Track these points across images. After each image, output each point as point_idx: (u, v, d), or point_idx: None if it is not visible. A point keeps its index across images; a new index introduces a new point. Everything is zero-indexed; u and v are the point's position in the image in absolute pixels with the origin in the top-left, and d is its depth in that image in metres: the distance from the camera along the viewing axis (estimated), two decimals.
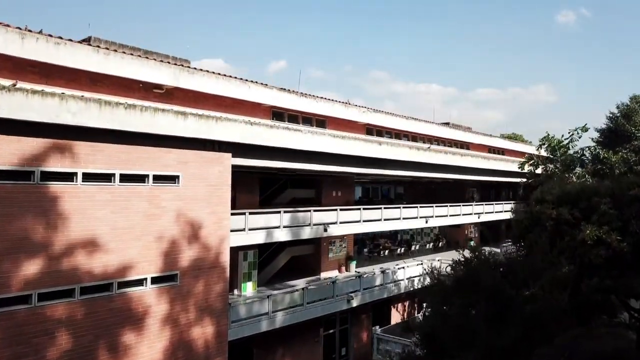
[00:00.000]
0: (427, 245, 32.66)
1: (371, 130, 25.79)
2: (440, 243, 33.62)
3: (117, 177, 12.23)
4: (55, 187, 11.13)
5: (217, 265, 14.50)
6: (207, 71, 17.94)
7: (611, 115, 34.28)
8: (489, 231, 39.07)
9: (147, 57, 16.14)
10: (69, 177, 11.38)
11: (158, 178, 13.13)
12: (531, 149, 43.61)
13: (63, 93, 11.21)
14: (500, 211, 34.06)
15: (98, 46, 14.96)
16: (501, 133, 72.73)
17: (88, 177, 11.71)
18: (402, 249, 30.16)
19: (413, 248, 31.20)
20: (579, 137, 25.80)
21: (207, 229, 14.27)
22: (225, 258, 14.75)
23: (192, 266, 13.84)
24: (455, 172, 26.43)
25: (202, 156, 14.18)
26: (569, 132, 26.31)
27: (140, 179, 12.77)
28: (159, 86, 16.25)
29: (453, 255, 32.10)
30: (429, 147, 23.59)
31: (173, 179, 13.49)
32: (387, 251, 29.27)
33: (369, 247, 29.19)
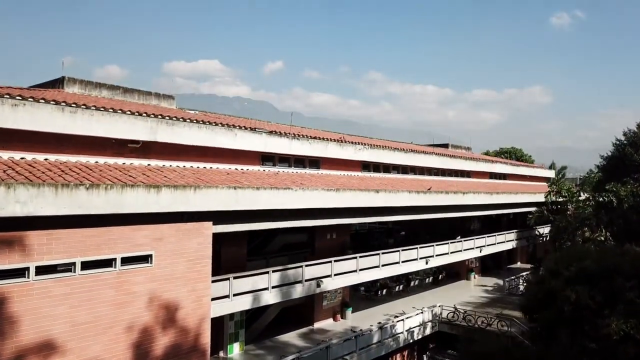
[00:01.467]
0: (427, 279, 31.18)
1: (368, 165, 24.35)
2: (440, 276, 32.14)
3: (78, 266, 10.71)
4: (1, 287, 9.61)
5: (196, 348, 12.98)
6: (190, 120, 16.47)
7: (618, 143, 33.03)
8: (491, 260, 37.76)
9: (121, 110, 14.65)
10: (18, 273, 9.86)
11: (128, 260, 11.62)
12: (532, 171, 42.36)
13: (10, 182, 9.63)
14: (502, 241, 32.65)
15: (65, 101, 13.47)
16: (500, 147, 71.59)
17: (43, 270, 10.19)
18: (401, 286, 28.66)
19: (412, 284, 29.72)
20: (592, 182, 24.49)
21: (185, 309, 12.76)
22: (206, 340, 13.24)
23: (168, 354, 12.32)
24: (456, 210, 25.01)
25: (178, 229, 12.67)
26: (579, 179, 24.94)
27: (106, 263, 11.25)
28: (134, 141, 14.77)
29: (454, 290, 30.88)
30: (429, 189, 22.15)
31: (145, 259, 11.98)
32: (384, 290, 27.78)
33: (365, 286, 27.68)
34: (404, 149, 26.86)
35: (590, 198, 23.29)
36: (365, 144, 23.98)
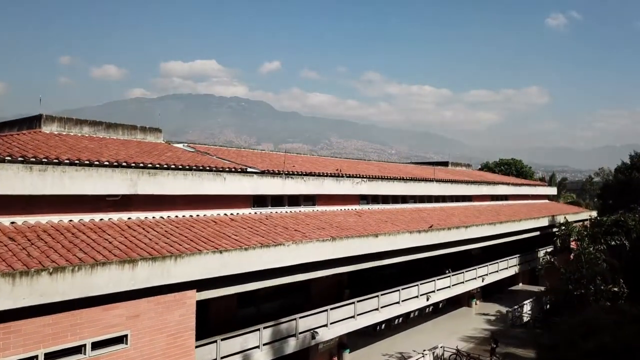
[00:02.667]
0: (427, 308, 29.99)
1: (366, 197, 23.21)
2: (441, 304, 30.94)
3: (42, 359, 9.53)
4: None
5: None
6: (175, 167, 15.30)
7: (623, 166, 32.06)
8: (492, 283, 36.61)
9: (98, 161, 13.48)
10: None
11: (100, 344, 10.43)
12: (534, 190, 41.25)
13: None
14: (505, 268, 31.55)
15: (35, 156, 12.29)
16: (500, 158, 70.50)
17: None
18: (400, 318, 27.47)
19: (412, 315, 28.52)
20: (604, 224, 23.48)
21: None
22: None
23: None
24: (458, 245, 23.89)
25: (157, 302, 11.50)
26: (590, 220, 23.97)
27: (75, 351, 10.08)
28: (113, 195, 13.59)
29: (455, 320, 29.69)
30: (431, 227, 21.01)
31: (120, 340, 10.80)
32: (383, 324, 26.60)
33: None
34: (403, 178, 25.72)
35: (602, 241, 22.26)
36: (363, 176, 22.85)
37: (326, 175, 20.89)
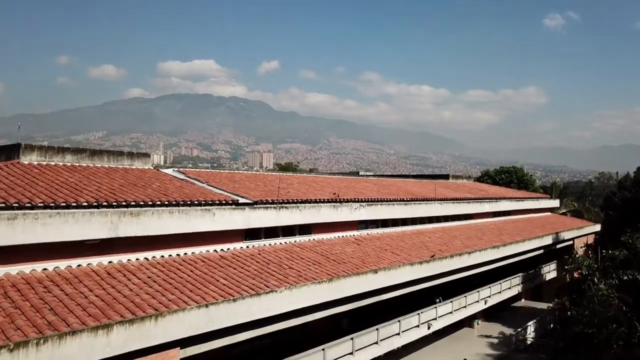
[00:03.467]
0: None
1: (365, 223, 22.24)
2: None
3: None
4: None
5: None
6: (161, 203, 14.32)
7: (630, 182, 31.18)
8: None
9: (76, 202, 12.49)
10: None
11: None
12: (537, 204, 40.32)
13: None
14: (508, 288, 30.59)
15: (5, 202, 11.31)
16: (501, 166, 69.59)
17: None
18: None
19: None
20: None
21: None
22: None
23: None
24: (461, 271, 22.93)
25: None
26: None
27: None
28: (91, 239, 12.61)
29: (456, 344, 28.72)
30: (432, 257, 20.05)
31: None
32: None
33: None
34: (404, 199, 24.78)
35: (613, 275, 21.27)
36: (362, 200, 21.88)
37: (323, 202, 19.93)
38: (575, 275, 27.09)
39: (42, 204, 11.92)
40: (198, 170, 21.25)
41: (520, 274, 32.16)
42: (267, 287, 13.46)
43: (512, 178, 60.60)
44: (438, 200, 27.09)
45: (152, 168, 19.33)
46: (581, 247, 40.25)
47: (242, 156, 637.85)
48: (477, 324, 31.91)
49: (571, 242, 37.49)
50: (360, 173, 47.14)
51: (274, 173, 25.12)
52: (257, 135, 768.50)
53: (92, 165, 17.42)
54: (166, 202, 14.54)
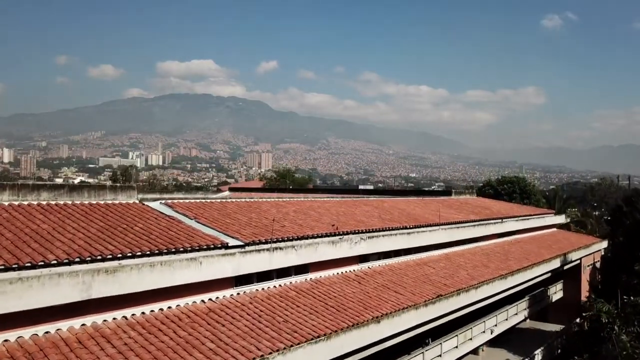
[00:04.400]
0: None
1: (366, 257, 20.91)
2: None
3: None
4: None
5: None
6: (142, 254, 12.99)
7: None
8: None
9: (44, 261, 11.15)
10: None
11: None
12: (543, 221, 39.04)
13: None
14: (515, 314, 29.32)
15: None
16: (503, 175, 68.39)
17: None
18: None
19: None
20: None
21: None
22: None
23: None
24: (468, 306, 21.62)
25: None
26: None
27: None
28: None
29: None
30: (439, 296, 18.72)
31: None
32: None
33: None
34: (407, 226, 23.49)
35: (635, 323, 19.93)
36: (362, 231, 20.57)
37: (321, 236, 18.62)
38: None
39: (3, 267, 10.59)
40: (187, 201, 19.88)
41: (527, 298, 30.89)
42: (258, 350, 12.13)
43: (514, 188, 59.35)
44: (442, 225, 25.77)
45: (137, 202, 18.00)
46: (588, 266, 39.07)
47: (241, 156, 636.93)
48: (482, 350, 30.60)
49: (578, 262, 36.29)
50: (360, 187, 45.78)
51: (270, 199, 23.77)
52: (256, 135, 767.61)
53: (70, 202, 16.08)
54: (148, 252, 13.21)
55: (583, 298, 37.89)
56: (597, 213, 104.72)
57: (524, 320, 36.86)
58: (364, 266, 20.65)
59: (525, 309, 30.44)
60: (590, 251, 37.72)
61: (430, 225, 25.21)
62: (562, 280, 36.35)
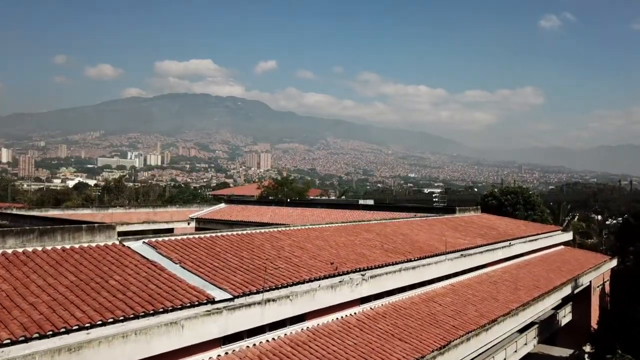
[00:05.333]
0: None
1: (368, 298, 19.31)
2: None
3: None
4: None
5: None
6: (114, 320, 11.37)
7: None
8: None
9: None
10: None
11: None
12: (551, 241, 37.54)
13: None
14: (524, 344, 27.74)
15: None
16: (506, 186, 66.89)
17: None
18: None
19: None
20: None
21: None
22: None
23: None
24: (479, 350, 20.03)
25: None
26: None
27: None
28: None
29: None
30: (447, 344, 17.13)
31: None
32: None
33: None
34: (411, 259, 21.91)
35: None
36: (364, 269, 18.98)
37: (319, 279, 17.02)
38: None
39: None
40: (173, 239, 18.21)
41: (536, 325, 29.32)
42: None
43: (518, 199, 57.74)
44: (448, 254, 24.19)
45: (116, 243, 16.39)
46: (598, 287, 37.59)
47: (239, 156, 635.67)
48: None
49: (588, 284, 34.77)
50: (360, 202, 44.22)
51: (263, 230, 22.13)
52: (255, 135, 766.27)
53: (41, 249, 14.49)
54: (122, 317, 11.59)
55: (593, 321, 36.45)
56: (599, 218, 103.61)
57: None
58: (366, 307, 19.07)
59: (534, 337, 28.87)
60: (600, 272, 36.19)
61: (436, 255, 23.65)
62: (571, 303, 34.81)
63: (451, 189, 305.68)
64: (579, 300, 35.23)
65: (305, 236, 22.29)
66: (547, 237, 36.61)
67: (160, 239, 17.88)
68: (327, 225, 25.19)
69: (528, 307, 23.61)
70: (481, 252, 26.79)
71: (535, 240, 34.16)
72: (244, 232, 21.01)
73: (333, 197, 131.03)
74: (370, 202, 47.55)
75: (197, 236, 19.16)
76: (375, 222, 28.73)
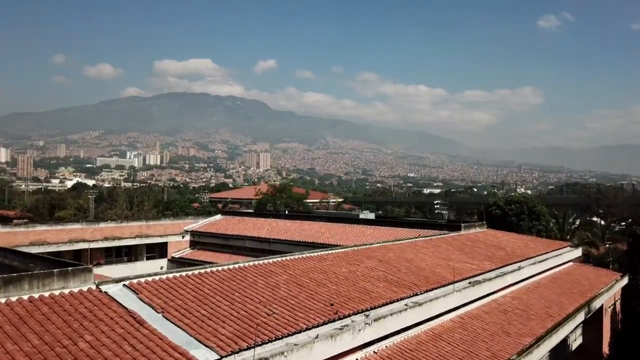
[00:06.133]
0: None
1: (372, 341, 17.70)
2: None
3: None
4: None
5: None
6: None
7: None
8: None
9: None
10: None
11: None
12: (561, 259, 36.03)
13: None
14: None
15: None
16: (509, 195, 65.28)
17: None
18: None
19: None
20: None
21: None
22: None
23: None
24: None
25: None
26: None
27: None
28: None
29: None
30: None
31: None
32: None
33: None
34: (417, 293, 20.30)
35: None
36: (367, 310, 17.37)
37: (318, 326, 15.41)
38: None
39: None
40: (157, 278, 16.54)
41: (547, 353, 27.74)
42: None
43: (522, 209, 56.24)
44: (456, 282, 22.60)
45: (93, 288, 14.77)
46: (609, 307, 36.10)
47: (239, 156, 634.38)
48: None
49: (600, 306, 33.22)
50: (361, 216, 42.58)
51: (257, 262, 20.49)
52: (254, 134, 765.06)
53: (4, 300, 12.88)
54: None
55: (605, 344, 34.94)
56: (602, 223, 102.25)
57: None
58: (369, 351, 17.45)
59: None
60: (612, 293, 34.64)
61: (444, 286, 22.06)
62: (581, 325, 33.23)
63: (451, 190, 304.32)
64: (590, 322, 33.62)
65: (303, 268, 20.66)
66: (556, 255, 35.00)
67: (143, 279, 16.25)
68: (326, 253, 23.57)
69: (542, 342, 22.00)
70: (490, 279, 25.19)
71: (545, 260, 32.57)
72: (236, 266, 19.37)
73: (333, 201, 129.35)
74: (372, 215, 45.87)
75: (184, 274, 17.51)
76: (378, 245, 27.12)
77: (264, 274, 19.06)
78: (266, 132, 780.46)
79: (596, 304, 30.67)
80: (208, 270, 18.32)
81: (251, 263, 20.06)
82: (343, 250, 24.85)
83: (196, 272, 17.92)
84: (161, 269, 44.28)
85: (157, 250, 44.67)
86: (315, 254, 23.06)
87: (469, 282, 24.07)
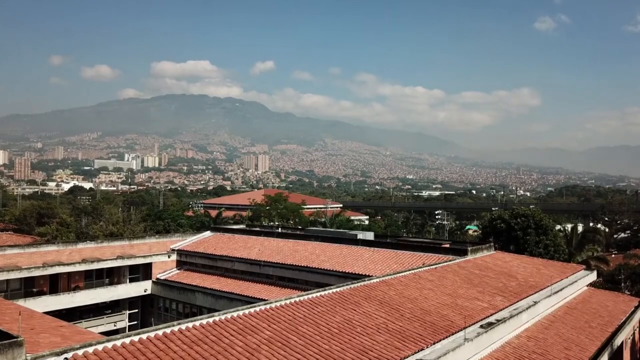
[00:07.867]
0: None
1: None
2: None
3: None
4: None
5: None
6: None
7: None
8: None
9: None
10: None
11: None
12: (574, 286, 33.16)
13: None
14: None
15: None
16: (514, 207, 62.45)
17: None
18: None
19: None
20: None
21: None
22: None
23: None
24: None
25: None
26: None
27: None
28: None
29: None
30: None
31: None
32: None
33: None
34: (424, 347, 17.41)
35: None
36: None
37: None
38: None
39: None
40: (110, 346, 13.66)
41: None
42: None
43: (529, 223, 53.40)
44: (467, 328, 19.74)
45: None
46: (629, 339, 33.22)
47: (237, 157, 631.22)
48: None
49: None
50: (359, 236, 39.64)
51: (236, 314, 17.57)
52: (252, 136, 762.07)
53: None
54: None
55: None
56: (607, 230, 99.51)
57: None
58: None
59: None
60: (632, 324, 31.80)
61: (453, 334, 19.19)
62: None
63: (450, 193, 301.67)
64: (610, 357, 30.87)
65: (290, 318, 17.75)
66: (571, 283, 32.13)
67: (91, 349, 13.31)
68: (317, 295, 20.66)
69: None
70: (505, 320, 22.31)
71: (561, 290, 29.69)
72: (210, 320, 16.46)
73: (331, 206, 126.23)
74: (370, 235, 42.94)
75: (144, 336, 14.58)
76: (377, 280, 24.23)
77: (243, 331, 16.15)
78: (264, 134, 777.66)
79: (617, 341, 27.80)
80: (175, 329, 15.38)
81: (229, 315, 17.11)
82: (338, 289, 21.93)
83: (160, 333, 14.98)
84: (145, 291, 41.36)
85: (142, 271, 41.71)
86: (306, 297, 20.14)
87: (481, 326, 21.19)
